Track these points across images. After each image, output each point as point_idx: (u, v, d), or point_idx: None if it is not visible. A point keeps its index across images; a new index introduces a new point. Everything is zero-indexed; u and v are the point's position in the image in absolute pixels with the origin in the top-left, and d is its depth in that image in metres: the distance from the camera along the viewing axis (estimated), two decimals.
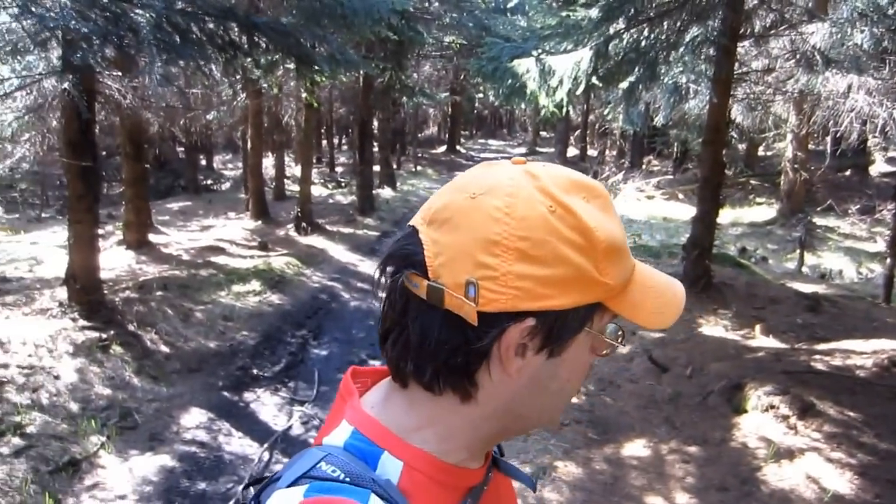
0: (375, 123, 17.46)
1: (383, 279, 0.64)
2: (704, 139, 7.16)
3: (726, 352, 5.55)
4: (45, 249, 10.75)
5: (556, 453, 4.28)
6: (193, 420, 5.09)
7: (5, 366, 5.14)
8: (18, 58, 6.39)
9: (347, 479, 0.58)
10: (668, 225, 11.76)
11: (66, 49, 4.96)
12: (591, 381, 5.37)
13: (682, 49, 5.97)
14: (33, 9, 3.91)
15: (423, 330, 0.61)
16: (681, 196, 15.08)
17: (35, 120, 7.01)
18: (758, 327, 6.08)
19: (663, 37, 5.74)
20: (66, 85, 5.19)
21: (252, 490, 0.65)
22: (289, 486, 0.58)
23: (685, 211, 12.79)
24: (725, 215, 10.59)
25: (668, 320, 0.66)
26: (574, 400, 5.02)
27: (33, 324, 5.86)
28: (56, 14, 3.89)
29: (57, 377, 5.21)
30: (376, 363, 0.64)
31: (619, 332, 0.67)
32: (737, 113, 9.04)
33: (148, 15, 4.31)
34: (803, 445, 4.07)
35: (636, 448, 4.37)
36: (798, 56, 6.52)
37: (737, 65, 6.80)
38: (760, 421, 4.40)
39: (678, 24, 5.60)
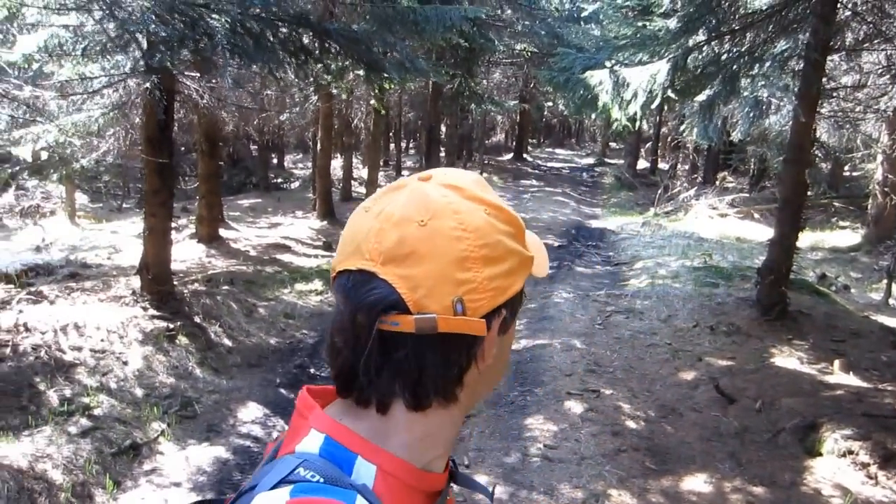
0: (443, 129, 17.52)
1: (353, 329, 0.64)
2: (786, 157, 6.82)
3: (800, 387, 5.22)
4: (124, 239, 11.25)
5: (611, 480, 4.12)
6: (250, 414, 5.18)
7: (79, 348, 5.37)
8: (108, 57, 6.70)
9: (327, 483, 0.59)
10: (741, 246, 11.28)
11: (147, 51, 5.16)
12: (651, 408, 5.15)
13: (766, 63, 5.69)
14: (117, 13, 4.07)
15: (419, 361, 0.63)
16: (756, 216, 14.48)
17: (119, 116, 7.31)
18: (837, 362, 5.68)
19: (746, 50, 5.50)
20: (147, 84, 5.40)
21: None
22: (269, 490, 0.58)
23: (760, 232, 12.27)
24: (805, 239, 10.06)
25: (546, 270, 0.75)
26: (632, 425, 4.86)
27: (107, 310, 6.10)
28: (137, 17, 4.05)
29: (125, 363, 5.41)
30: None
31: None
32: (823, 130, 8.61)
33: (223, 20, 4.42)
34: (884, 498, 3.78)
35: (696, 482, 4.15)
36: (893, 72, 6.13)
37: (825, 80, 6.46)
38: (836, 466, 4.12)
39: (763, 36, 5.35)
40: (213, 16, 4.43)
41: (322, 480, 0.59)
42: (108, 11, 4.16)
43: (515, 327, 0.74)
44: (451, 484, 0.74)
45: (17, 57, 5.77)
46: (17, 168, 12.69)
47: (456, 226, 0.63)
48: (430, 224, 0.63)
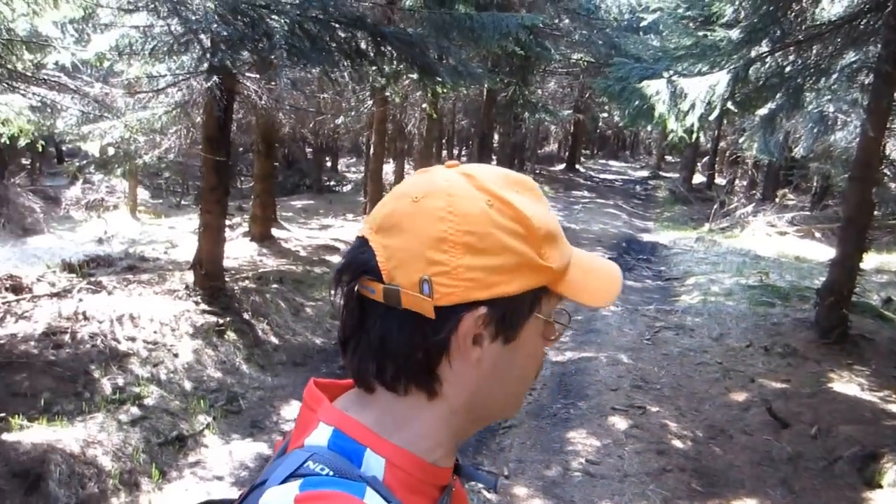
0: (496, 137, 17.49)
1: (340, 289, 0.67)
2: (852, 175, 6.54)
3: (860, 414, 4.98)
4: (181, 234, 11.60)
5: (655, 500, 4.00)
6: (293, 412, 5.23)
7: (133, 339, 5.53)
8: (174, 57, 6.92)
9: (337, 476, 0.59)
10: (800, 265, 10.89)
11: (209, 51, 5.30)
12: (699, 428, 5.00)
13: (833, 76, 5.48)
14: (182, 12, 4.20)
15: (383, 332, 0.64)
16: (818, 235, 13.96)
17: (182, 114, 7.54)
18: None
19: (812, 62, 5.30)
20: (209, 84, 5.55)
21: None
22: (279, 484, 0.59)
23: (822, 252, 11.83)
24: (870, 260, 9.63)
25: (607, 299, 0.71)
26: (679, 445, 4.72)
27: (161, 303, 6.28)
28: (200, 17, 4.17)
29: (176, 355, 5.54)
30: None
31: (563, 315, 0.73)
32: (892, 148, 8.24)
33: (282, 21, 4.52)
34: None
35: None
36: None
37: None
38: None
39: (831, 48, 5.15)
40: (273, 16, 4.53)
41: (332, 473, 0.59)
42: (172, 10, 4.29)
43: (539, 344, 0.70)
44: (456, 477, 0.74)
45: (91, 55, 6.02)
46: (85, 162, 13.24)
47: (443, 206, 0.63)
48: (421, 201, 0.64)
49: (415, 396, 0.66)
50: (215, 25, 4.18)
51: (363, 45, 5.47)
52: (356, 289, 0.66)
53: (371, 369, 0.65)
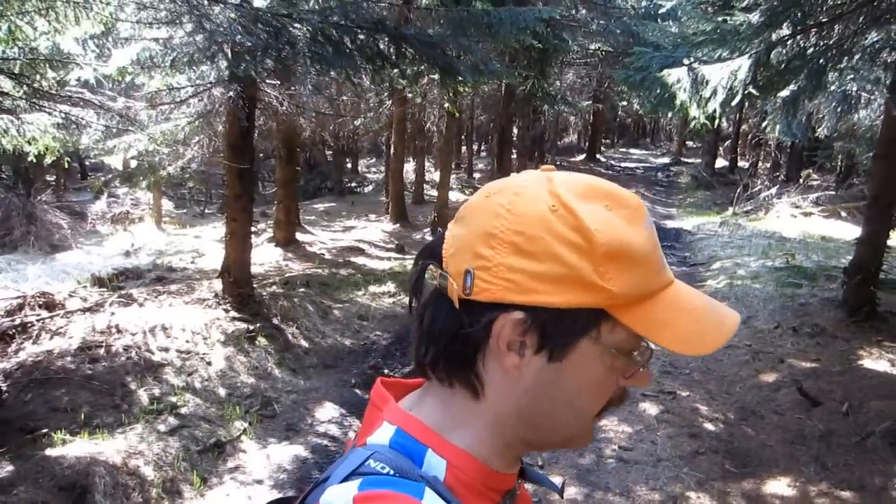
0: (515, 131, 17.45)
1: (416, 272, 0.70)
2: (877, 153, 6.46)
3: (892, 389, 4.94)
4: (206, 243, 11.75)
5: (689, 483, 4.02)
6: (327, 414, 5.30)
7: (166, 349, 5.64)
8: (194, 68, 7.02)
9: (397, 475, 0.59)
10: (826, 245, 10.73)
11: (231, 60, 5.38)
12: (730, 410, 5.00)
13: (856, 55, 5.40)
14: (206, 25, 4.28)
15: (434, 316, 0.65)
16: (843, 214, 13.73)
17: (204, 124, 7.64)
18: None
19: (833, 42, 5.23)
20: (231, 93, 5.63)
21: None
22: (340, 482, 0.59)
23: (847, 231, 11.64)
24: None
25: (700, 348, 0.62)
26: (710, 427, 4.72)
27: (192, 312, 6.39)
28: (224, 29, 4.25)
29: (209, 363, 5.64)
30: None
31: (646, 353, 0.66)
32: None
33: (305, 28, 4.58)
34: None
35: (779, 486, 4.00)
36: None
37: None
38: None
39: (853, 28, 5.07)
40: (296, 24, 4.59)
41: (392, 472, 0.59)
42: (198, 24, 4.37)
43: (604, 377, 0.64)
44: (521, 481, 0.74)
45: (113, 70, 6.13)
46: (110, 176, 13.46)
47: (504, 203, 0.63)
48: (491, 197, 0.65)
49: (461, 393, 0.65)
50: (239, 37, 4.25)
51: (384, 48, 5.52)
52: (423, 272, 0.69)
53: (422, 351, 0.67)
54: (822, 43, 5.30)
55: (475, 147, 28.40)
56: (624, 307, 0.61)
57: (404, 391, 0.73)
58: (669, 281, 0.65)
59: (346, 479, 0.59)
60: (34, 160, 6.64)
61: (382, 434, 0.65)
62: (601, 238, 0.59)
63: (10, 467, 3.67)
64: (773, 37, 5.27)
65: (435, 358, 0.65)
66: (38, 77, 5.91)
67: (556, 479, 4.02)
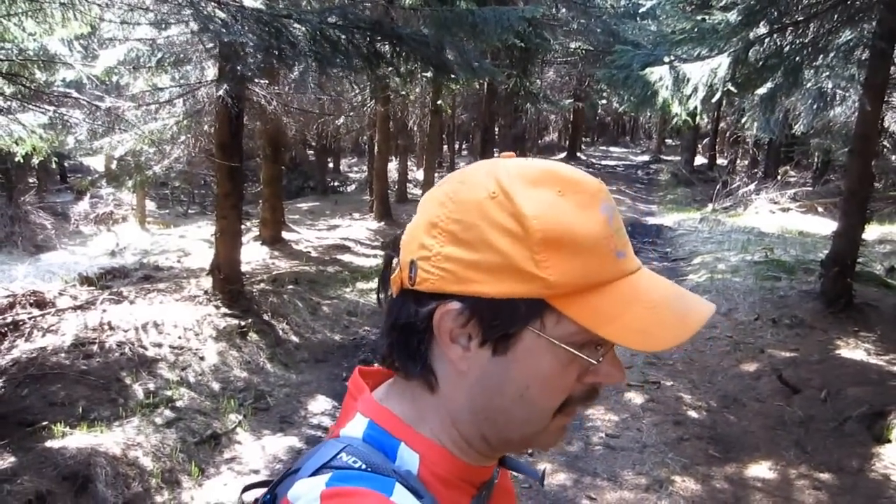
0: (497, 129, 17.58)
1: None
2: (851, 149, 6.67)
3: (867, 377, 5.14)
4: (192, 242, 11.75)
5: (674, 467, 4.17)
6: (319, 407, 5.39)
7: (159, 345, 5.69)
8: (180, 68, 7.06)
9: (369, 470, 0.58)
10: (804, 240, 10.99)
11: (222, 61, 5.44)
12: (713, 398, 5.17)
13: (830, 53, 5.59)
14: (211, 26, 4.35)
15: (390, 308, 0.65)
16: (820, 209, 14.06)
17: (192, 124, 7.67)
18: None
19: (809, 40, 5.41)
20: (220, 93, 5.68)
21: (252, 493, 0.68)
22: (310, 476, 0.58)
23: (824, 225, 11.93)
24: (872, 231, 9.74)
25: (652, 344, 0.57)
26: (694, 415, 4.87)
27: (183, 309, 6.43)
28: (227, 30, 4.32)
29: (202, 358, 5.70)
30: None
31: (605, 347, 0.60)
32: (891, 121, 8.35)
33: (305, 29, 4.66)
34: None
35: (761, 469, 4.17)
36: None
37: (892, 69, 6.30)
38: None
39: (827, 26, 5.25)
40: (296, 25, 4.67)
41: (364, 467, 0.58)
42: (202, 25, 4.44)
43: (558, 373, 0.60)
44: (500, 470, 0.73)
45: (99, 70, 6.15)
46: (97, 176, 13.39)
47: (448, 191, 0.61)
48: (441, 186, 0.64)
49: (421, 386, 0.64)
50: (242, 38, 4.31)
51: (380, 48, 5.60)
52: (390, 264, 0.67)
53: (381, 343, 0.66)
54: (798, 41, 5.49)
55: (457, 146, 28.52)
56: (567, 297, 0.57)
57: (383, 379, 0.71)
58: (630, 270, 0.60)
59: (316, 473, 0.58)
60: (20, 161, 6.63)
61: (356, 426, 0.64)
62: (537, 224, 0.56)
63: (13, 458, 3.73)
64: (751, 35, 5.45)
65: (389, 350, 0.64)
66: (27, 77, 5.93)
67: (540, 467, 4.16)
